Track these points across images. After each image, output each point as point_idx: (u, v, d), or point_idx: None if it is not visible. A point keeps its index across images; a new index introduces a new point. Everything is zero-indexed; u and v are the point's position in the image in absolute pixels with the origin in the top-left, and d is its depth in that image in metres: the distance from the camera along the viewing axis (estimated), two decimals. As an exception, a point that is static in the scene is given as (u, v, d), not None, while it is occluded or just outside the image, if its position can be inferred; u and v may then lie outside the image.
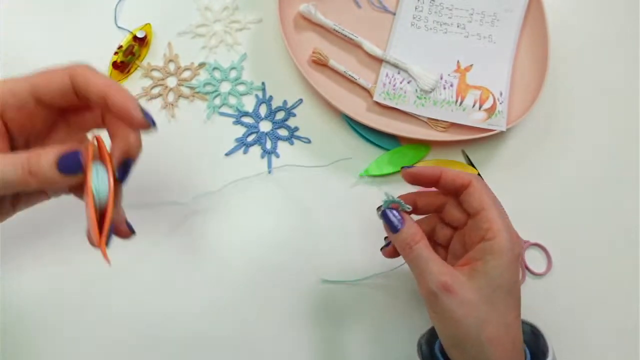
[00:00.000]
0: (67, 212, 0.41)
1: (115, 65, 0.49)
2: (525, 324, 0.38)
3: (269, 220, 0.47)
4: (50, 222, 0.45)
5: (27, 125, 0.30)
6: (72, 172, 0.28)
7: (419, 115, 0.50)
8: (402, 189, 0.48)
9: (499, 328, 0.32)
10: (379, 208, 0.37)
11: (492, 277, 0.32)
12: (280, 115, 0.50)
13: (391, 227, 0.35)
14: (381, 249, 0.40)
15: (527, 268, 0.48)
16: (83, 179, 0.28)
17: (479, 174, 0.50)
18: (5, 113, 0.29)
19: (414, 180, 0.37)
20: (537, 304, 0.47)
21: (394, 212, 0.36)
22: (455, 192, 0.36)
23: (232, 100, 0.50)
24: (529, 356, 0.35)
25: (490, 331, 0.32)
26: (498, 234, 0.33)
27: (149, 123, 0.31)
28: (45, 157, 0.27)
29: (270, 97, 0.51)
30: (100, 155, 0.31)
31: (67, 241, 0.44)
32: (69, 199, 0.34)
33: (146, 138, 0.48)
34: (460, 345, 0.33)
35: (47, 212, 0.37)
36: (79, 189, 0.32)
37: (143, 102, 0.49)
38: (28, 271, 0.43)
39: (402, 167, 0.38)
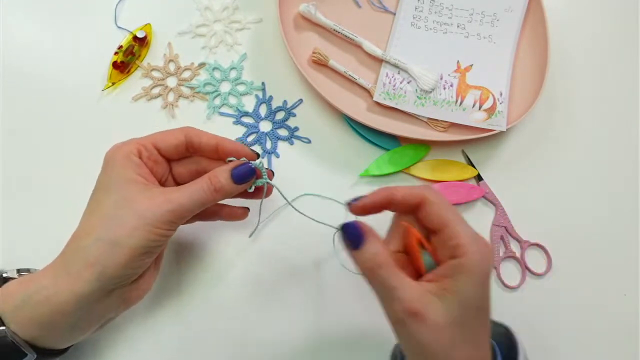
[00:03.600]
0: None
1: (115, 65, 0.49)
2: (499, 325, 0.37)
3: (269, 221, 0.47)
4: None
5: (155, 170, 0.38)
6: (245, 181, 0.37)
7: (419, 115, 0.50)
8: (402, 189, 0.49)
9: (470, 349, 0.31)
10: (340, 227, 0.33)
11: (464, 297, 0.30)
12: (280, 115, 0.50)
13: (350, 243, 0.32)
14: (347, 203, 0.34)
15: (527, 268, 0.48)
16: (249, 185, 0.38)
17: (478, 174, 0.50)
18: (142, 159, 0.36)
19: (365, 212, 0.34)
20: (537, 304, 0.47)
21: (355, 225, 0.32)
22: (412, 212, 0.33)
23: (232, 100, 0.50)
24: (499, 358, 0.34)
25: (460, 354, 0.30)
26: (468, 250, 0.30)
27: (256, 154, 0.39)
28: (222, 174, 0.36)
29: (270, 97, 0.51)
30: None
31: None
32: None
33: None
34: None
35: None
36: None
37: (143, 102, 0.49)
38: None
39: (348, 203, 0.34)
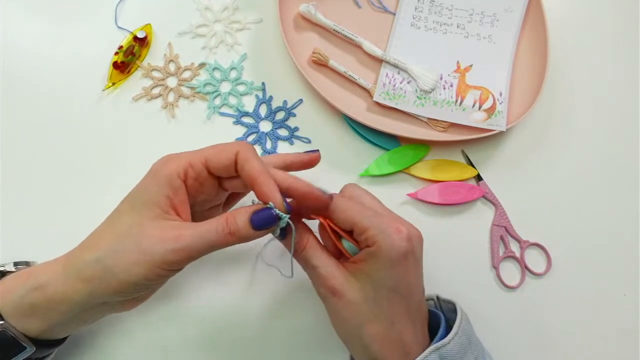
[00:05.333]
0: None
1: (115, 65, 0.49)
2: (449, 302, 0.39)
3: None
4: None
5: (198, 189, 0.35)
6: (265, 227, 0.33)
7: (419, 115, 0.50)
8: (400, 189, 0.49)
9: (382, 326, 0.34)
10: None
11: (375, 279, 0.34)
12: (280, 115, 0.50)
13: (278, 236, 0.34)
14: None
15: (527, 268, 0.48)
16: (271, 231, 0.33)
17: (478, 174, 0.50)
18: (187, 182, 0.34)
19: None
20: (536, 304, 0.47)
21: (276, 216, 0.32)
22: (320, 213, 0.36)
23: (233, 101, 0.50)
24: (443, 322, 0.37)
25: (372, 330, 0.34)
26: (376, 240, 0.33)
27: (329, 197, 0.35)
28: (240, 217, 0.32)
29: (270, 97, 0.51)
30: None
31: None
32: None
33: (146, 138, 0.48)
34: (348, 343, 0.36)
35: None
36: None
37: (143, 102, 0.49)
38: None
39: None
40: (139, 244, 0.31)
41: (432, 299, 0.41)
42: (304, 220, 0.37)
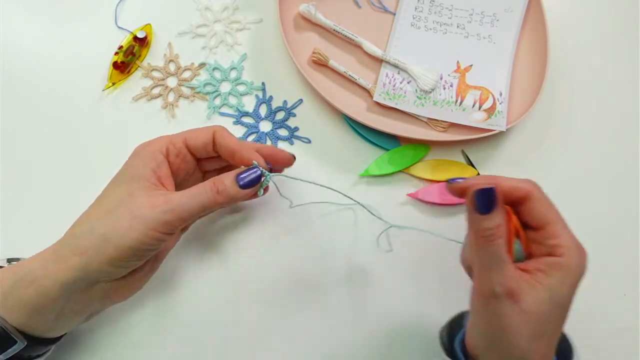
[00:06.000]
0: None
1: (115, 65, 0.49)
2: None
3: (268, 222, 0.47)
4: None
5: (180, 166, 0.39)
6: (251, 186, 0.37)
7: (419, 115, 0.50)
8: (401, 189, 0.49)
9: (548, 345, 0.32)
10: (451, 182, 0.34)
11: (556, 295, 0.31)
12: (280, 116, 0.50)
13: (481, 205, 0.31)
14: (448, 181, 0.35)
15: (527, 268, 0.48)
16: (255, 190, 0.38)
17: (478, 174, 0.50)
18: (169, 157, 0.37)
19: (462, 195, 0.34)
20: (537, 304, 0.47)
21: (492, 191, 0.31)
22: (513, 204, 0.33)
23: (233, 101, 0.50)
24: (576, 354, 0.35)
25: (540, 347, 0.31)
26: (568, 252, 0.31)
27: (292, 156, 0.41)
28: (227, 178, 0.36)
29: (270, 97, 0.51)
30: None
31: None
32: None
33: (146, 137, 0.48)
34: (503, 351, 0.31)
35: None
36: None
37: (143, 103, 0.49)
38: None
39: (448, 181, 0.34)
40: (132, 210, 0.33)
41: None
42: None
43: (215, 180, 0.36)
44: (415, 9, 0.54)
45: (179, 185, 0.39)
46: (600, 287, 0.48)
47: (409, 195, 0.48)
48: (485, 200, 0.31)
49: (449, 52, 0.53)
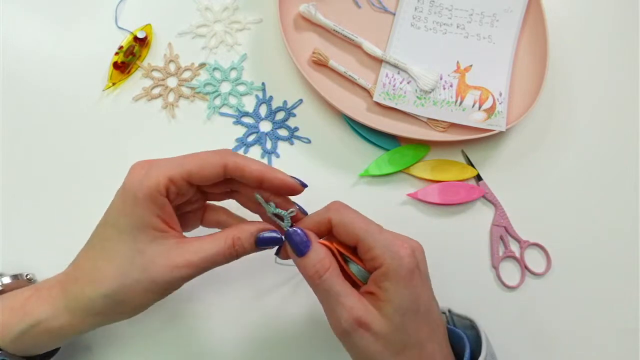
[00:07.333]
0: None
1: (115, 65, 0.49)
2: (464, 318, 0.38)
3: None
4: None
5: (179, 201, 0.35)
6: (268, 247, 0.34)
7: (419, 116, 0.50)
8: (401, 189, 0.49)
9: (413, 351, 0.31)
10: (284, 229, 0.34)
11: (398, 303, 0.31)
12: (280, 116, 0.50)
13: (296, 250, 0.32)
14: (276, 254, 0.36)
15: (526, 268, 0.48)
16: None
17: (478, 174, 0.50)
18: (169, 197, 0.33)
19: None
20: (537, 304, 0.47)
21: (299, 231, 0.32)
22: (328, 234, 0.34)
23: (233, 101, 0.50)
24: (468, 348, 0.34)
25: (405, 359, 0.31)
26: (384, 258, 0.31)
27: (303, 185, 0.35)
28: (247, 240, 0.33)
29: (271, 97, 0.51)
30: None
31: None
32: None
33: (146, 137, 0.48)
34: None
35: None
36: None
37: (143, 103, 0.49)
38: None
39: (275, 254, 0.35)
40: (148, 274, 0.31)
41: (444, 313, 0.39)
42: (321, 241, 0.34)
43: (235, 240, 0.33)
44: (415, 9, 0.54)
45: (178, 210, 0.36)
46: (600, 287, 0.48)
47: (409, 195, 0.48)
48: (296, 244, 0.32)
49: (448, 52, 0.53)
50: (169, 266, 0.31)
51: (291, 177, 0.34)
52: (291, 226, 0.34)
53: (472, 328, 0.37)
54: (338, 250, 0.33)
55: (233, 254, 0.33)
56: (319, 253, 0.32)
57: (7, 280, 0.38)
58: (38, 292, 0.34)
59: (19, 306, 0.33)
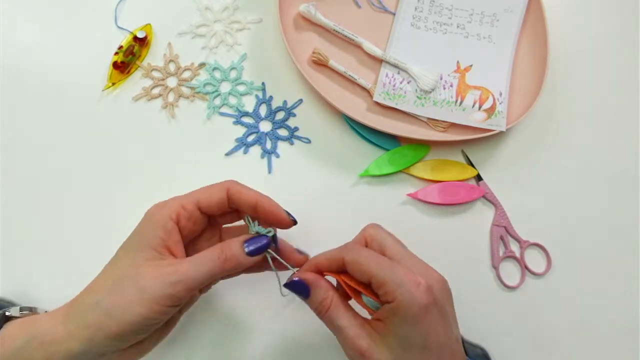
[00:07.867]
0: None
1: (115, 65, 0.49)
2: (476, 346, 0.38)
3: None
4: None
5: (192, 229, 0.37)
6: (259, 253, 0.35)
7: (419, 115, 0.50)
8: (400, 189, 0.49)
9: None
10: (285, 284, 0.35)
11: (401, 337, 0.31)
12: (280, 116, 0.50)
13: (299, 295, 0.35)
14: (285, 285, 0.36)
15: (527, 268, 0.48)
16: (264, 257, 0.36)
17: (478, 174, 0.50)
18: (180, 223, 0.35)
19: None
20: (536, 304, 0.47)
21: (296, 279, 0.34)
22: (342, 271, 0.35)
23: (232, 101, 0.50)
24: None
25: None
26: (395, 295, 0.31)
27: (293, 221, 0.37)
28: (235, 244, 0.34)
29: (270, 97, 0.51)
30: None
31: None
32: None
33: (146, 137, 0.48)
34: None
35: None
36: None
37: (143, 102, 0.49)
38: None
39: (285, 285, 0.36)
40: (136, 282, 0.32)
41: None
42: (327, 277, 0.36)
43: (223, 246, 0.34)
44: (415, 9, 0.54)
45: (193, 244, 0.38)
46: (600, 287, 0.48)
47: (409, 195, 0.48)
48: (297, 289, 0.35)
49: (449, 52, 0.53)
50: (157, 274, 0.32)
51: (285, 210, 0.37)
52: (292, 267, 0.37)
53: (484, 357, 0.37)
54: (346, 284, 0.34)
55: (222, 258, 0.34)
56: (320, 294, 0.34)
57: (15, 312, 0.37)
58: (53, 311, 0.34)
59: (31, 320, 0.34)
